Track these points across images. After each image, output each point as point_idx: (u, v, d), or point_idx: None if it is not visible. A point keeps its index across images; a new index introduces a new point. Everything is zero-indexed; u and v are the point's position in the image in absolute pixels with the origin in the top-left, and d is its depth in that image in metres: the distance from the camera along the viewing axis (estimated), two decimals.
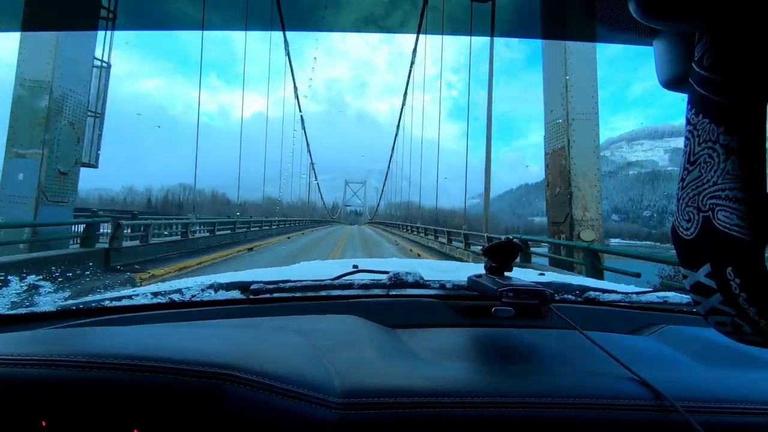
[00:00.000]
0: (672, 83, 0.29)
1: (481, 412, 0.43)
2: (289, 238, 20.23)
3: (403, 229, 30.29)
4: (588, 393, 0.45)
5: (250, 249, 13.28)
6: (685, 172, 0.26)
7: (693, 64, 0.25)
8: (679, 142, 0.28)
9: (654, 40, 0.30)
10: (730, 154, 0.24)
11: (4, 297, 0.75)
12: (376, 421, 0.42)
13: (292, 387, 0.44)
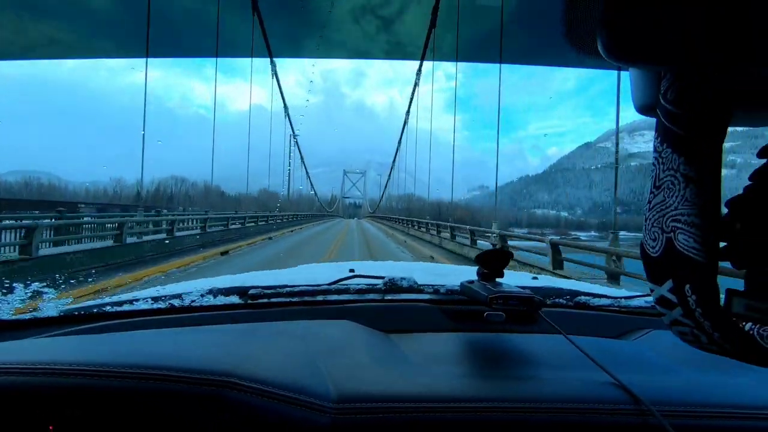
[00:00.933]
0: (644, 110, 0.31)
1: (470, 417, 0.46)
2: (270, 238, 17.17)
3: (408, 224, 26.99)
4: (570, 398, 0.48)
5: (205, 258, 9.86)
6: (652, 195, 0.28)
7: (659, 96, 0.27)
8: None
9: (629, 69, 0.32)
10: (689, 182, 0.26)
11: (9, 303, 0.77)
12: (370, 426, 0.44)
13: (288, 393, 0.46)
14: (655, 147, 0.28)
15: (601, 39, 0.26)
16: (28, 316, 0.76)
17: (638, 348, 0.69)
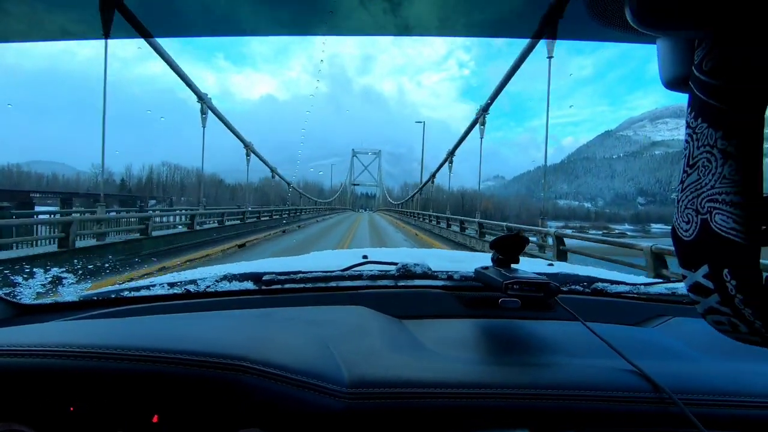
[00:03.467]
0: (674, 84, 0.30)
1: (486, 403, 0.46)
2: (243, 245, 11.68)
3: (425, 219, 20.89)
4: (588, 385, 0.48)
5: None
6: (685, 174, 0.27)
7: (693, 67, 0.26)
8: None
9: (657, 41, 0.31)
10: (728, 158, 0.24)
11: (30, 287, 0.81)
12: (383, 411, 0.45)
13: (303, 377, 0.47)
14: (687, 123, 0.27)
15: (630, 5, 0.25)
16: (48, 300, 0.80)
17: (659, 335, 0.68)
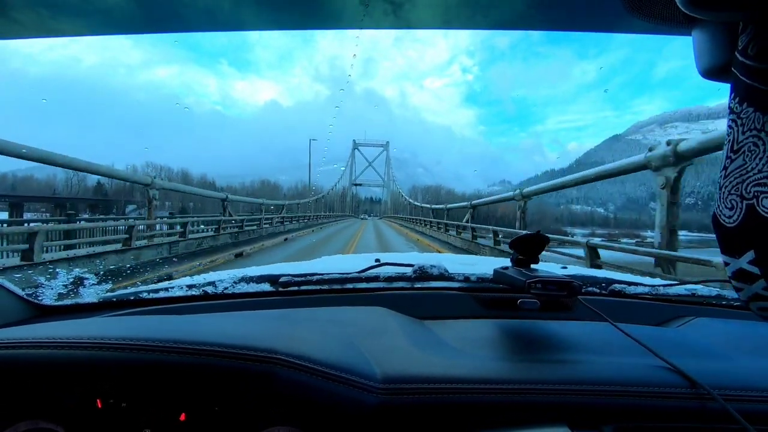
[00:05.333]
0: (713, 73, 0.30)
1: (520, 398, 0.47)
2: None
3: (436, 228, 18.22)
4: (623, 381, 0.48)
5: None
6: (728, 160, 0.27)
7: (736, 53, 0.26)
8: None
9: (693, 30, 0.32)
10: None
11: (52, 288, 0.83)
12: (414, 407, 0.46)
13: (335, 372, 0.48)
14: (731, 109, 0.27)
15: None
16: (69, 302, 0.82)
17: (684, 334, 0.68)
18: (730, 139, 0.27)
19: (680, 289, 0.86)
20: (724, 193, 0.27)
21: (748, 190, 0.26)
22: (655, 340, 0.60)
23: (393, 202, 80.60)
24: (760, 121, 0.25)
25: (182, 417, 0.49)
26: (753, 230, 0.26)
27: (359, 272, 0.90)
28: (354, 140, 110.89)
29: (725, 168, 0.27)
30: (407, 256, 1.40)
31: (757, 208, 0.25)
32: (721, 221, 0.28)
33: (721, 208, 0.28)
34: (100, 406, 0.49)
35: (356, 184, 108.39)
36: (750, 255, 0.26)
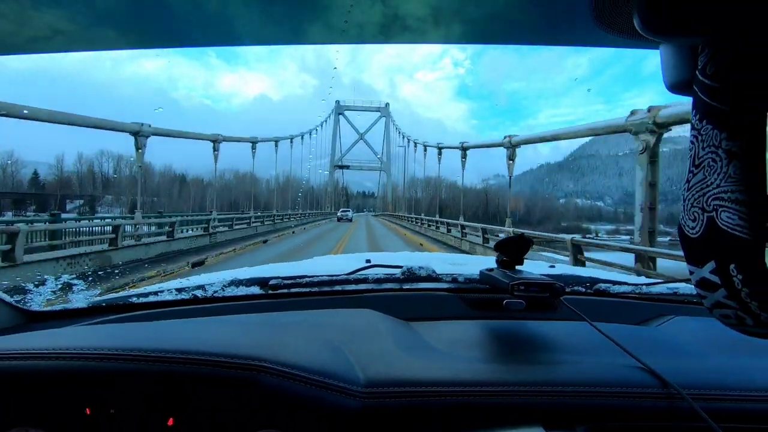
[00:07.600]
0: (678, 87, 0.32)
1: (497, 400, 0.49)
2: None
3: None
4: (597, 382, 0.51)
5: None
6: (691, 174, 0.29)
7: (697, 72, 0.28)
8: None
9: (660, 46, 0.33)
10: (732, 158, 0.26)
11: (41, 294, 0.84)
12: (398, 410, 0.48)
13: (318, 377, 0.50)
14: (693, 125, 0.29)
15: (639, 14, 0.27)
16: (58, 307, 0.83)
17: (662, 334, 0.71)
18: (692, 154, 0.29)
19: (663, 288, 0.89)
20: (687, 205, 0.29)
21: (708, 203, 0.27)
22: (633, 339, 0.63)
23: (393, 193, 64.31)
24: (718, 138, 0.27)
25: (170, 422, 0.51)
26: (713, 241, 0.27)
27: (348, 274, 0.93)
28: (338, 101, 74.80)
29: (688, 181, 0.29)
30: (397, 256, 1.43)
31: (717, 220, 0.27)
32: (686, 232, 0.30)
33: (685, 219, 0.30)
34: (89, 412, 0.51)
35: (341, 167, 76.11)
36: (711, 265, 0.28)
